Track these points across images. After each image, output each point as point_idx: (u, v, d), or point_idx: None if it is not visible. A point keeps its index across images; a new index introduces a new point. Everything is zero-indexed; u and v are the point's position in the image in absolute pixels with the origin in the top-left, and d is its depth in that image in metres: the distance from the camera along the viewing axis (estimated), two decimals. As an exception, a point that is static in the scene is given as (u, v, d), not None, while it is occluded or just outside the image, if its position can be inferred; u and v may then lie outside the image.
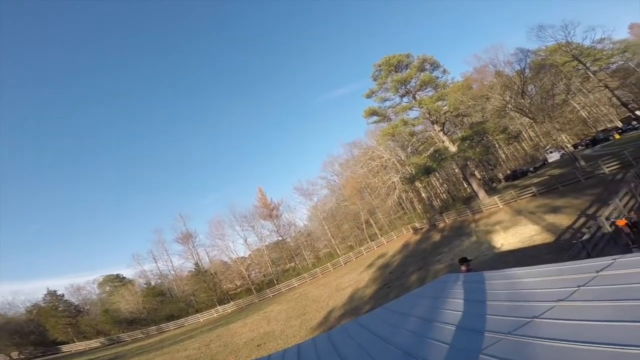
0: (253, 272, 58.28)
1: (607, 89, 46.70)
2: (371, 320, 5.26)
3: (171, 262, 57.79)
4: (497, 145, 52.14)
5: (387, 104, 42.91)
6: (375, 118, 43.94)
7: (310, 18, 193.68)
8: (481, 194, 36.40)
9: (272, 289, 47.40)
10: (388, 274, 27.57)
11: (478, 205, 33.92)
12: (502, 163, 60.51)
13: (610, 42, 58.75)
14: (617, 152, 26.40)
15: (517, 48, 34.02)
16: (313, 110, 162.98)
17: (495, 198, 31.85)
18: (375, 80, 41.80)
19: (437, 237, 33.39)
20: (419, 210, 53.99)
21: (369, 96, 43.21)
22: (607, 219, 11.12)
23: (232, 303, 47.09)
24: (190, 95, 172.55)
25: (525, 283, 4.13)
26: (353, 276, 33.20)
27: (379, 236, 50.93)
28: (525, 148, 60.27)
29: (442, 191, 61.33)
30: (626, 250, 10.10)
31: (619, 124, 46.66)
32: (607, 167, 22.92)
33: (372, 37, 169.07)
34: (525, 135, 54.07)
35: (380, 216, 55.55)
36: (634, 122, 41.31)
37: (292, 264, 59.04)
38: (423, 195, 43.34)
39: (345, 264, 45.71)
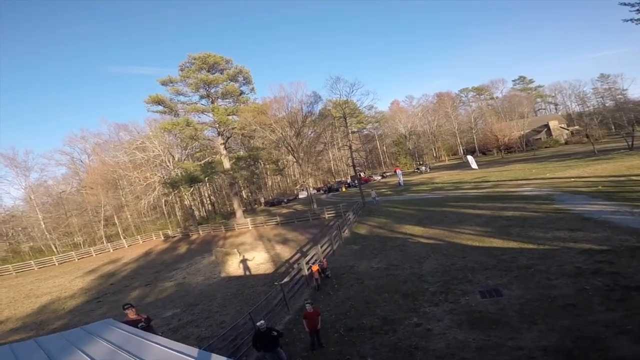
0: None
1: (349, 149, 64.00)
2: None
3: None
4: (266, 173, 58.34)
5: (182, 98, 39.28)
6: (159, 108, 38.77)
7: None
8: (239, 213, 38.35)
9: None
10: (108, 285, 23.05)
11: (233, 224, 35.13)
12: (267, 189, 68.37)
13: (375, 111, 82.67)
14: (338, 202, 35.63)
15: (313, 91, 39.63)
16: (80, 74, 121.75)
17: (248, 220, 34.30)
18: (182, 70, 37.61)
19: (183, 249, 31.38)
20: (178, 217, 49.88)
21: (165, 83, 38.11)
22: (307, 263, 13.20)
23: None
24: None
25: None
26: (61, 281, 26.91)
27: (122, 238, 42.85)
28: (288, 181, 71.30)
29: (208, 202, 60.65)
30: (314, 292, 12.08)
31: (348, 180, 62.63)
32: (327, 214, 29.80)
33: (190, 32, 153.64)
34: (289, 171, 63.84)
35: (128, 215, 46.57)
36: (355, 181, 57.90)
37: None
38: (187, 202, 40.31)
39: (60, 264, 35.64)
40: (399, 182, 43.22)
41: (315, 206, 35.01)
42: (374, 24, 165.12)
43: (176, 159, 40.33)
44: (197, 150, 42.79)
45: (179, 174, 36.34)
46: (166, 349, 3.65)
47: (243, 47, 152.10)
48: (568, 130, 63.93)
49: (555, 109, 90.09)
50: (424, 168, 59.55)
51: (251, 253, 22.26)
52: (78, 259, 36.25)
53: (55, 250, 41.86)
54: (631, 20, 25.43)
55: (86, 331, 4.94)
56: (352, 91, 35.30)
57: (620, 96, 69.09)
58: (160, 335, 7.30)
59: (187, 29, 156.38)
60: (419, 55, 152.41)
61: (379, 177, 62.83)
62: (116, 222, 45.83)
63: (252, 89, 41.06)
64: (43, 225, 42.71)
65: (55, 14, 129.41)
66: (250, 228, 32.55)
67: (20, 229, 44.77)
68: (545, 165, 35.22)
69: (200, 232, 36.62)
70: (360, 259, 15.14)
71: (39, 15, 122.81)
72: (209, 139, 42.16)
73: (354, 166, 35.29)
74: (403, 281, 11.30)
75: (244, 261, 20.60)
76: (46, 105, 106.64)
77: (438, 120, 77.44)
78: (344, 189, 55.02)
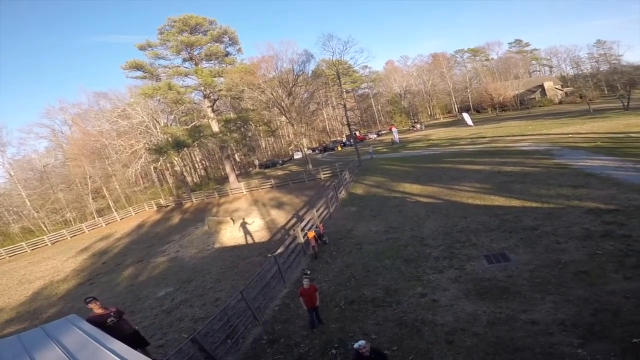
0: None
1: (344, 108, 61.91)
2: None
3: None
4: (258, 135, 56.44)
5: (162, 62, 36.64)
6: (139, 73, 36.23)
7: None
8: (232, 177, 37.48)
9: None
10: (101, 264, 22.35)
11: (227, 189, 34.46)
12: (261, 151, 66.98)
13: (369, 71, 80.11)
14: (334, 162, 34.83)
15: (304, 50, 37.14)
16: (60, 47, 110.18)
17: (242, 184, 33.56)
18: (161, 34, 34.54)
19: (177, 219, 30.84)
20: (170, 184, 48.93)
21: (143, 48, 35.28)
22: (302, 230, 12.64)
23: None
24: None
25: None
26: (54, 263, 25.87)
27: (113, 210, 41.95)
28: (282, 143, 69.81)
29: (200, 167, 59.40)
30: (311, 261, 11.63)
31: (344, 139, 61.77)
32: (323, 174, 29.07)
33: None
34: (282, 132, 62.07)
35: (117, 186, 45.43)
36: (351, 140, 56.58)
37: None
38: (177, 168, 39.14)
39: (53, 244, 34.37)
40: (395, 140, 42.28)
41: (310, 167, 34.33)
42: None
43: (162, 124, 38.29)
44: (183, 114, 40.60)
45: (166, 140, 34.71)
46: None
47: (229, 7, 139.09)
48: (562, 90, 62.88)
49: (550, 71, 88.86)
50: (419, 126, 58.60)
51: (245, 220, 21.77)
52: (70, 237, 35.20)
53: (45, 229, 40.61)
54: None
55: (44, 332, 4.66)
56: (346, 49, 33.39)
57: (615, 61, 67.30)
58: (136, 329, 6.93)
59: None
60: (415, 15, 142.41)
61: (375, 136, 62.12)
62: (105, 194, 44.71)
63: (239, 50, 38.30)
64: (28, 203, 41.32)
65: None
66: (245, 192, 31.87)
67: (5, 209, 43.35)
68: (541, 122, 34.33)
69: (194, 200, 35.88)
70: (359, 221, 14.64)
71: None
72: (195, 103, 39.82)
73: (348, 125, 34.08)
74: (404, 245, 10.84)
75: (238, 229, 20.17)
76: (21, 78, 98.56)
77: (433, 80, 75.35)
78: (339, 148, 54.44)
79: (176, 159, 36.77)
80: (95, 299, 6.47)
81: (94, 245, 28.70)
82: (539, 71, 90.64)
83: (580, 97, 47.76)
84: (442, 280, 8.07)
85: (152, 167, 42.47)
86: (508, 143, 25.02)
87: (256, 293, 8.92)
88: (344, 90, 53.36)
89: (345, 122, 36.14)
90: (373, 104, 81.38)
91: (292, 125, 35.33)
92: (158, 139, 35.16)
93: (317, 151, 59.22)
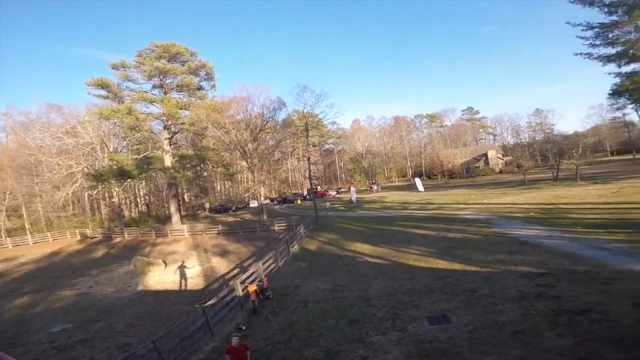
0: None
1: (308, 161, 62.71)
2: None
3: None
4: (215, 177, 54.47)
5: (131, 84, 35.73)
6: (103, 92, 34.79)
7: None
8: (175, 217, 34.81)
9: None
10: None
11: (167, 229, 31.85)
12: (215, 194, 64.13)
13: (337, 127, 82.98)
14: (291, 214, 34.18)
15: (277, 97, 38.12)
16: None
17: (186, 227, 31.17)
18: (139, 56, 34.26)
19: (100, 253, 27.69)
20: (103, 215, 44.03)
21: (116, 67, 34.47)
22: (243, 282, 11.59)
23: None
24: None
25: None
26: None
27: (28, 233, 36.89)
28: (239, 188, 67.72)
29: (142, 202, 54.81)
30: (250, 316, 10.54)
31: (305, 192, 60.72)
32: (278, 226, 28.04)
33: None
34: (242, 176, 60.68)
35: (40, 208, 39.83)
36: (311, 194, 56.02)
37: None
38: (115, 199, 35.65)
39: None
40: (352, 199, 43.36)
41: (265, 217, 33.16)
42: (348, 41, 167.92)
43: (111, 149, 35.67)
44: (137, 142, 38.49)
45: (110, 167, 32.00)
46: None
47: (213, 44, 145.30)
48: (503, 160, 70.66)
49: (494, 139, 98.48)
50: (376, 187, 61.01)
51: (181, 264, 19.67)
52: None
53: None
54: (581, 54, 25.89)
55: None
56: (318, 102, 34.55)
57: (548, 130, 78.77)
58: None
59: (165, 23, 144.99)
60: (385, 78, 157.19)
61: (334, 192, 63.04)
62: (24, 213, 38.89)
63: (213, 86, 38.73)
64: None
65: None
66: (187, 235, 29.49)
67: None
68: (483, 192, 37.77)
69: (126, 236, 32.47)
70: (308, 278, 14.19)
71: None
72: (153, 132, 38.09)
73: (310, 178, 34.51)
74: (350, 305, 10.46)
75: (169, 273, 18.07)
76: None
77: (393, 143, 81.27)
78: (299, 202, 53.91)
79: (116, 189, 33.77)
80: None
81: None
82: (485, 139, 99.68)
83: (518, 167, 52.70)
84: (385, 342, 7.63)
85: (86, 194, 38.31)
86: (453, 211, 26.81)
87: (175, 344, 7.57)
88: (311, 144, 54.79)
89: (308, 176, 36.52)
90: (336, 161, 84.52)
91: (252, 172, 34.67)
92: (102, 165, 32.39)
93: (275, 202, 58.09)
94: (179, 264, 19.73)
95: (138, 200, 54.64)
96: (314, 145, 73.28)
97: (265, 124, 36.17)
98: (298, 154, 71.26)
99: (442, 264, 13.04)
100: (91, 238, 34.10)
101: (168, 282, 16.97)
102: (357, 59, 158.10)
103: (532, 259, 11.92)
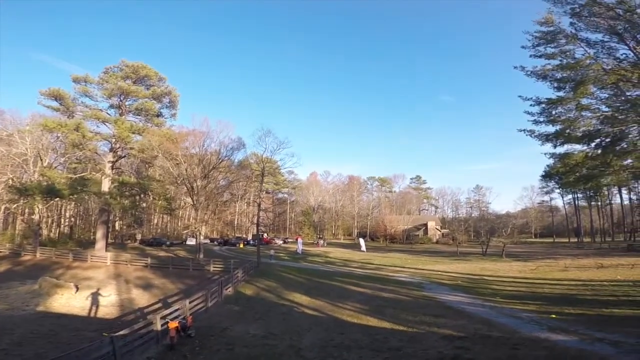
0: None
1: (258, 207, 61.06)
2: None
3: None
4: (154, 209, 50.53)
5: (87, 100, 34.12)
6: (54, 104, 32.84)
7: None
8: (100, 244, 31.34)
9: None
10: None
11: (87, 254, 28.48)
12: (151, 226, 59.00)
13: (293, 177, 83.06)
14: (230, 257, 32.47)
15: (238, 137, 36.77)
16: None
17: (110, 254, 28.03)
18: (106, 73, 33.41)
19: (2, 269, 23.54)
20: (17, 231, 37.91)
21: (78, 80, 33.25)
22: (164, 317, 10.72)
23: None
24: None
25: None
26: None
27: None
28: (178, 224, 63.20)
29: (66, 224, 48.37)
30: (165, 352, 9.69)
31: (249, 238, 59.86)
32: (214, 267, 26.38)
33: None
34: (183, 212, 57.29)
35: None
36: (255, 240, 53.74)
37: None
38: (36, 216, 31.23)
39: None
40: (298, 250, 43.02)
41: (201, 256, 31.01)
42: (316, 94, 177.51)
43: (45, 163, 32.16)
44: (76, 161, 35.38)
45: (38, 182, 28.63)
46: None
47: (182, 69, 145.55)
48: (440, 231, 76.54)
49: (435, 211, 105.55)
50: (322, 242, 61.55)
51: (97, 290, 17.46)
52: None
53: None
54: (524, 130, 24.63)
55: None
56: (279, 148, 34.47)
57: (484, 208, 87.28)
58: None
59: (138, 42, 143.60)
60: (347, 135, 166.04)
61: (281, 242, 61.89)
62: None
63: (174, 115, 38.10)
64: None
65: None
66: (109, 264, 26.50)
67: None
68: (419, 258, 40.02)
69: (38, 255, 28.59)
70: (238, 321, 13.56)
71: None
72: (96, 153, 35.49)
73: (258, 225, 33.72)
74: (279, 354, 10.15)
75: (79, 299, 15.88)
76: None
77: (344, 201, 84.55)
78: (241, 245, 51.80)
79: (40, 206, 29.85)
80: None
81: None
82: (427, 210, 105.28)
83: (453, 240, 57.31)
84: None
85: (2, 206, 33.21)
86: (390, 272, 27.97)
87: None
88: (264, 190, 54.20)
89: (256, 222, 35.62)
90: (288, 211, 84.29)
91: (197, 209, 32.80)
92: (30, 179, 28.94)
93: (216, 242, 55.14)
94: (92, 291, 17.66)
95: (62, 220, 48.23)
96: (267, 192, 73.04)
97: (220, 162, 35.01)
98: (249, 198, 70.15)
99: (372, 322, 13.41)
100: (-6, 253, 28.72)
101: (76, 307, 14.99)
102: (323, 112, 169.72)
103: (454, 323, 12.76)
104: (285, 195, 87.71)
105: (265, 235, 61.93)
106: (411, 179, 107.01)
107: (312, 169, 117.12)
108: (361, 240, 51.49)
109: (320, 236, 71.76)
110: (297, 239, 50.81)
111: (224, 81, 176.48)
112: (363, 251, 47.12)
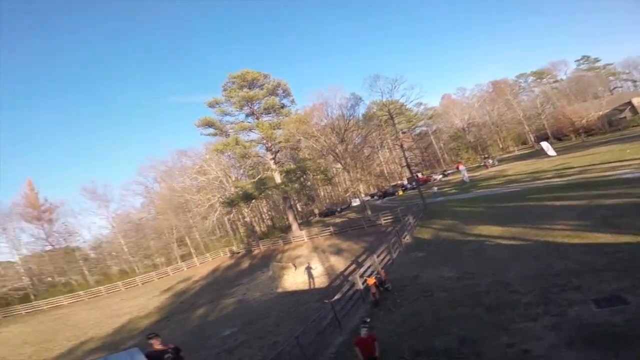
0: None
1: (401, 149, 59.91)
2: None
3: None
4: (317, 183, 57.78)
5: (229, 118, 40.55)
6: (210, 130, 40.53)
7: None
8: (294, 226, 38.34)
9: (26, 305, 36.32)
10: (179, 303, 24.43)
11: (290, 237, 35.32)
12: (320, 199, 68.08)
13: (424, 108, 78.00)
14: (395, 207, 33.42)
15: (352, 93, 37.91)
16: (139, 109, 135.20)
17: (304, 232, 33.97)
18: (224, 90, 38.80)
19: (246, 264, 32.48)
20: (241, 233, 52.29)
21: (212, 105, 39.76)
22: (361, 276, 11.85)
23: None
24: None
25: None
26: (141, 301, 29.08)
27: (194, 256, 46.03)
28: (339, 190, 69.97)
29: (267, 217, 62.55)
30: (372, 308, 10.67)
31: (405, 182, 58.21)
32: (384, 219, 27.66)
33: (228, 52, 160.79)
34: (339, 179, 62.16)
35: (197, 235, 50.20)
36: (412, 183, 51.57)
37: (63, 279, 45.46)
38: (247, 219, 42.02)
39: (143, 284, 38.88)
40: (464, 179, 39.02)
41: (369, 212, 33.28)
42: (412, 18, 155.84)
43: (233, 178, 42.37)
44: (250, 168, 44.34)
45: (237, 193, 37.91)
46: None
47: (278, 58, 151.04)
48: None
49: (635, 85, 76.25)
50: (491, 161, 53.22)
51: (308, 265, 21.69)
52: (158, 279, 39.27)
53: (137, 271, 46.26)
54: None
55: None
56: (395, 87, 32.95)
57: None
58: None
59: (224, 54, 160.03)
60: (463, 44, 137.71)
61: (440, 176, 57.55)
62: (187, 241, 49.67)
63: (292, 101, 40.94)
64: (126, 249, 48.10)
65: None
66: (306, 240, 32.12)
67: (107, 254, 50.87)
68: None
69: (261, 247, 37.37)
70: (426, 267, 13.25)
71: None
72: (259, 156, 43.28)
73: (408, 166, 32.68)
74: (484, 292, 9.29)
75: (299, 275, 20.13)
76: (118, 138, 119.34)
77: (498, 109, 69.32)
78: (400, 193, 51.75)
79: (246, 210, 39.49)
80: (157, 335, 6.66)
81: (176, 287, 31.60)
82: (621, 87, 77.98)
83: None
84: (536, 328, 6.52)
85: (225, 219, 46.17)
86: (603, 172, 21.18)
87: (311, 339, 8.31)
88: (400, 131, 51.99)
89: (405, 164, 34.78)
90: (434, 142, 77.72)
91: (348, 172, 35.23)
92: (230, 193, 38.55)
93: (375, 197, 57.17)
94: (305, 266, 21.76)
95: (263, 216, 62.75)
96: (403, 132, 69.32)
97: (348, 122, 36.34)
98: (388, 145, 68.78)
99: (604, 238, 10.34)
100: (237, 253, 40.66)
101: (299, 283, 18.99)
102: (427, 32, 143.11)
103: None
104: (424, 128, 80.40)
105: (420, 174, 59.48)
106: (576, 61, 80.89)
107: (441, 92, 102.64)
108: (545, 144, 41.41)
109: (486, 155, 62.65)
110: (457, 168, 46.30)
111: (318, 47, 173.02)
112: (552, 156, 37.86)
